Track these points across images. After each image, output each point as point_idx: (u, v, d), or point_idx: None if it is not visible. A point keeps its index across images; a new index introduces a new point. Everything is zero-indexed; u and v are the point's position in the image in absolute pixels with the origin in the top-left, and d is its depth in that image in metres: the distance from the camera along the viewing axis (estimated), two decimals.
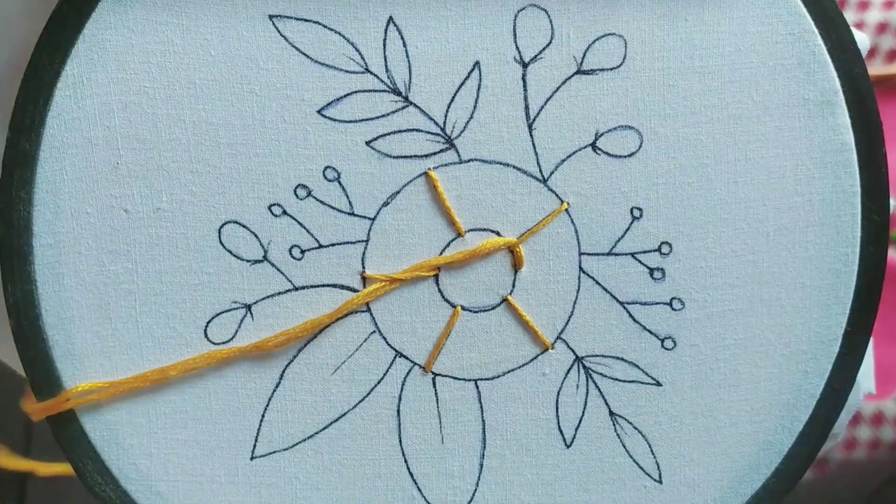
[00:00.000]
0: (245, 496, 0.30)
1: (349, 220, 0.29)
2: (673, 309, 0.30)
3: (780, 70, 0.29)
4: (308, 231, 0.29)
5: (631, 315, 0.30)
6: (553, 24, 0.28)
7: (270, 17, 0.28)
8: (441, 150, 0.29)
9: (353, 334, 0.30)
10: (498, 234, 0.30)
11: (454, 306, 0.30)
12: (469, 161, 0.29)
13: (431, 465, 0.30)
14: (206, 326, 0.29)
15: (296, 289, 0.29)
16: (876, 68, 0.50)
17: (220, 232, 0.29)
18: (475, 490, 0.30)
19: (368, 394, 0.30)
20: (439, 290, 0.30)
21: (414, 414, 0.30)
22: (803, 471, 0.31)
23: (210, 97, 0.28)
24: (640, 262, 0.30)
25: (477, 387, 0.30)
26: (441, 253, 0.29)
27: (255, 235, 0.29)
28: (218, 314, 0.29)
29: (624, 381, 0.30)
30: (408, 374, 0.30)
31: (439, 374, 0.30)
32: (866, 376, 0.35)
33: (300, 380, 0.30)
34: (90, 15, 0.27)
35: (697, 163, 0.29)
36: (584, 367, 0.30)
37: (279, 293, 0.29)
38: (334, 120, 0.28)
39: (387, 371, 0.30)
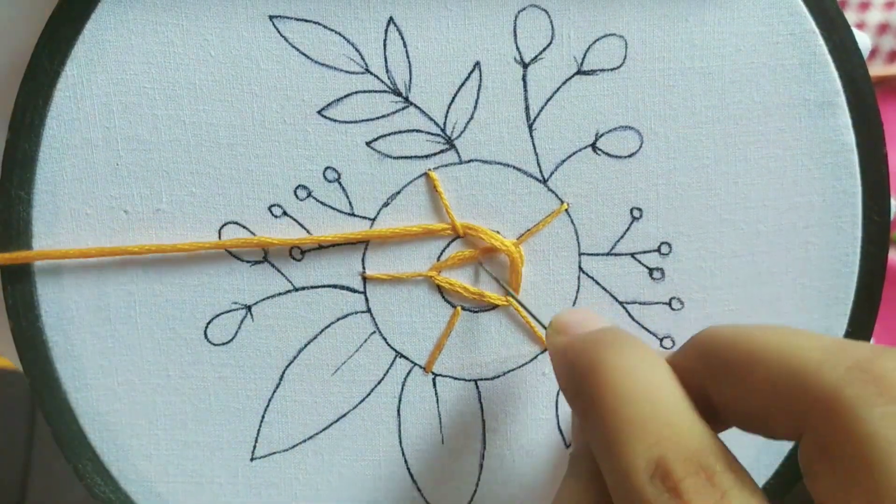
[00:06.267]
0: (245, 497, 0.30)
1: (349, 221, 0.29)
2: (672, 309, 0.30)
3: (780, 70, 0.29)
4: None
5: (630, 315, 0.30)
6: (553, 25, 0.28)
7: (270, 17, 0.28)
8: (441, 151, 0.29)
9: (354, 335, 0.30)
10: (498, 234, 0.30)
11: (454, 306, 0.30)
12: (469, 161, 0.29)
13: (431, 466, 0.30)
14: (206, 327, 0.29)
15: (296, 289, 0.29)
16: (877, 69, 0.50)
17: (220, 233, 0.29)
18: (475, 490, 0.30)
19: (369, 394, 0.30)
20: (439, 291, 0.30)
21: (414, 414, 0.30)
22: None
23: (210, 98, 0.28)
24: (639, 262, 0.30)
25: (477, 387, 0.30)
26: (441, 253, 0.29)
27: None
28: (218, 315, 0.29)
29: None
30: (408, 374, 0.30)
31: (440, 375, 0.30)
32: None
33: (300, 380, 0.29)
34: (90, 16, 0.27)
35: (697, 163, 0.29)
36: None
37: (279, 294, 0.29)
38: (334, 120, 0.28)
39: (387, 371, 0.30)
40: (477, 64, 0.29)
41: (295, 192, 0.29)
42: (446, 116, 0.29)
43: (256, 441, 0.30)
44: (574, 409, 0.23)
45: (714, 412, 0.21)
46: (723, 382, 0.20)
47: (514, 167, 0.29)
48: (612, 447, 0.20)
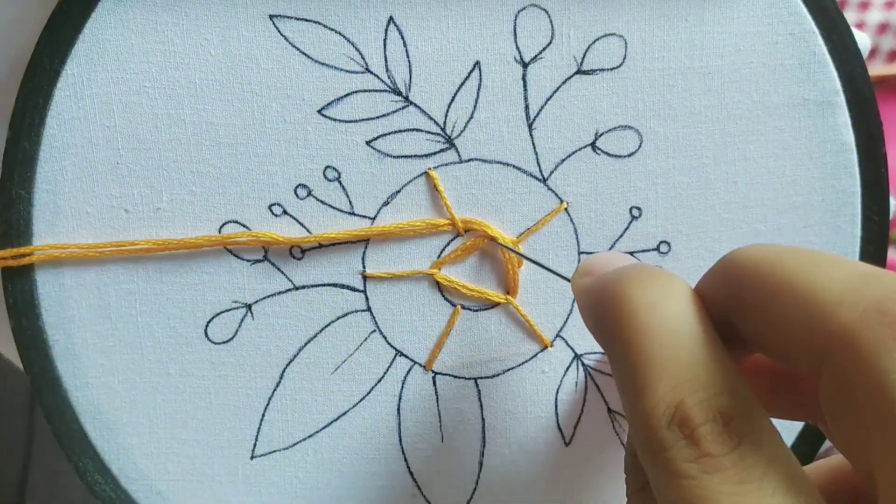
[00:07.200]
0: (245, 496, 0.30)
1: (349, 220, 0.29)
2: None
3: (780, 70, 0.29)
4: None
5: None
6: (553, 25, 0.28)
7: (271, 16, 0.28)
8: (441, 150, 0.29)
9: (354, 333, 0.30)
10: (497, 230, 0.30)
11: (454, 305, 0.30)
12: (469, 161, 0.29)
13: (431, 464, 0.30)
14: (207, 326, 0.29)
15: (296, 288, 0.29)
16: (877, 68, 0.50)
17: (220, 231, 0.29)
18: (475, 489, 0.31)
19: (369, 393, 0.30)
20: (439, 289, 0.30)
21: (414, 413, 0.30)
22: None
23: (210, 97, 0.28)
24: (638, 261, 0.30)
25: (477, 385, 0.30)
26: (441, 252, 0.30)
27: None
28: (218, 314, 0.29)
29: None
30: (408, 372, 0.30)
31: (440, 373, 0.30)
32: None
33: (300, 379, 0.30)
34: (90, 15, 0.27)
35: (697, 163, 0.29)
36: (583, 364, 0.30)
37: (280, 292, 0.29)
38: (335, 120, 0.28)
39: (387, 370, 0.30)
40: (477, 63, 0.29)
41: (295, 191, 0.29)
42: (446, 116, 0.29)
43: (257, 439, 0.30)
44: (599, 344, 0.22)
45: (740, 338, 0.20)
46: (744, 311, 0.19)
47: (513, 166, 0.29)
48: (631, 388, 0.19)
